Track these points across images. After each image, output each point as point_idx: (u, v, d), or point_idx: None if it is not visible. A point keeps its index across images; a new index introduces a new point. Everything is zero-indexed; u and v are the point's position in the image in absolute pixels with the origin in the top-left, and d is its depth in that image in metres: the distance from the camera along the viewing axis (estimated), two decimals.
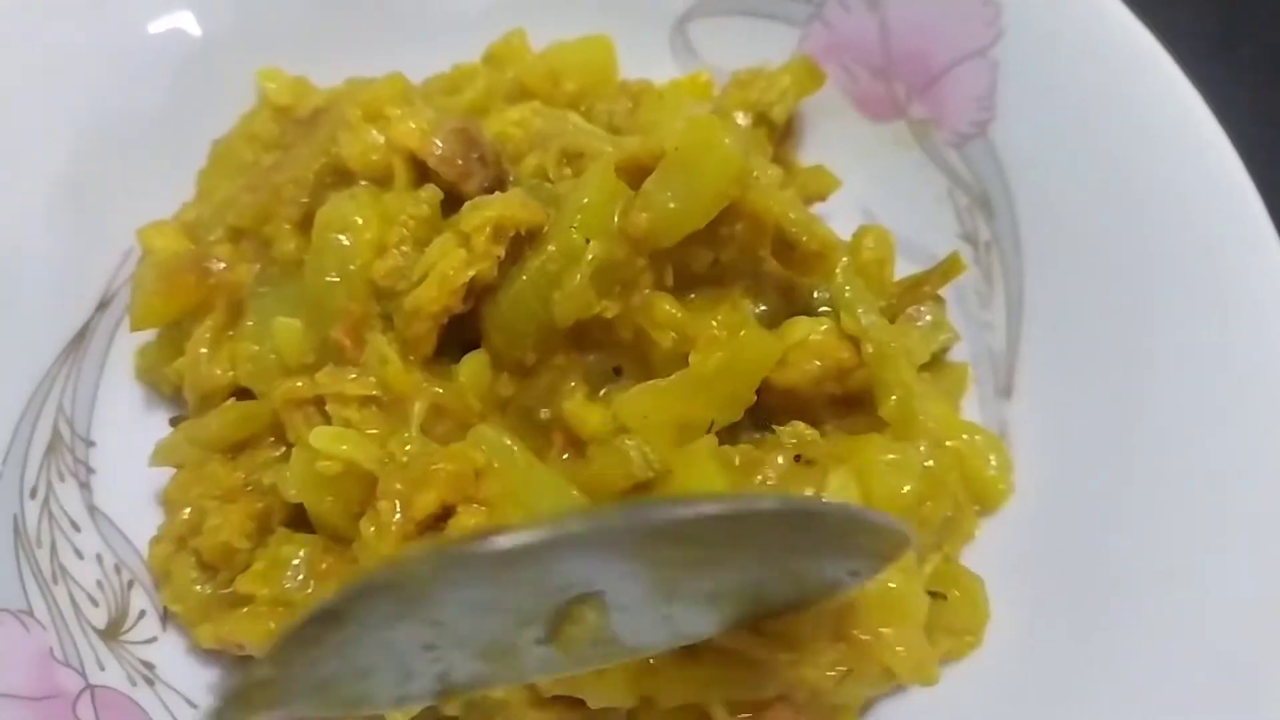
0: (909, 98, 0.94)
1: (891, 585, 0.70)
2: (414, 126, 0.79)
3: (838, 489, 0.70)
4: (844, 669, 0.69)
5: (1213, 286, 0.79)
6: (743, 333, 0.72)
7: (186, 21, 0.92)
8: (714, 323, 0.73)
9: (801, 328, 0.75)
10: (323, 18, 0.96)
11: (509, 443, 0.71)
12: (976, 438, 0.83)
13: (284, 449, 0.77)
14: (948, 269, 0.85)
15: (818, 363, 0.74)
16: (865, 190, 0.95)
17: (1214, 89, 0.84)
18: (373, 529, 0.68)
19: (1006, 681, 0.75)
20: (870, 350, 0.75)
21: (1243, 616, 0.70)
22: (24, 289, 0.82)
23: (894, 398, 0.75)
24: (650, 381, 0.72)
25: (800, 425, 0.75)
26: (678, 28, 1.00)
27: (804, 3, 0.96)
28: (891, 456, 0.72)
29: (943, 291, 0.87)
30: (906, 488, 0.71)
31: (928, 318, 0.84)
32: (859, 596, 0.69)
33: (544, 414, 0.74)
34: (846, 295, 0.77)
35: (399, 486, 0.68)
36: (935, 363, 0.86)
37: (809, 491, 0.71)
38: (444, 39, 0.96)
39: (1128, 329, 0.82)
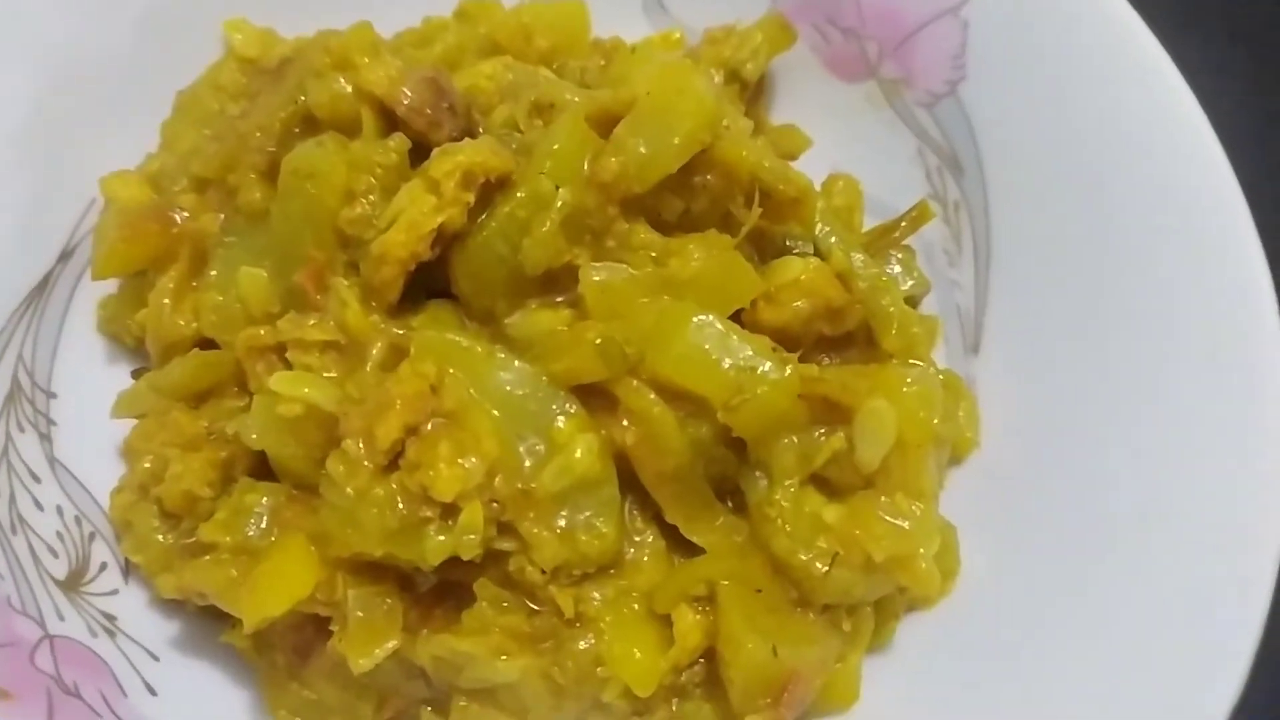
0: (880, 57, 0.94)
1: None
2: (382, 75, 0.78)
3: (872, 416, 0.71)
4: (834, 551, 0.70)
5: (1180, 242, 0.80)
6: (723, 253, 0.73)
7: None
8: (692, 246, 0.73)
9: (792, 267, 0.76)
10: None
11: (454, 337, 0.71)
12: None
13: (247, 399, 0.76)
14: (917, 216, 0.85)
15: (806, 302, 0.75)
16: (836, 150, 0.95)
17: (1180, 50, 0.84)
18: (341, 468, 0.67)
19: (978, 624, 0.76)
20: (864, 286, 0.76)
21: (1202, 558, 0.71)
22: None
23: (894, 328, 0.76)
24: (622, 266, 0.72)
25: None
26: None
27: None
28: (913, 386, 0.72)
29: (912, 247, 0.88)
30: (935, 419, 0.73)
31: (897, 267, 0.84)
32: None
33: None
34: (831, 237, 0.77)
35: (359, 422, 0.67)
36: None
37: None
38: None
39: (1094, 285, 0.83)
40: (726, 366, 0.70)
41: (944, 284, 0.91)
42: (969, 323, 0.90)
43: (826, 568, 0.70)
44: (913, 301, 0.88)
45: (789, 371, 0.71)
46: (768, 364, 0.70)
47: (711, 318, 0.71)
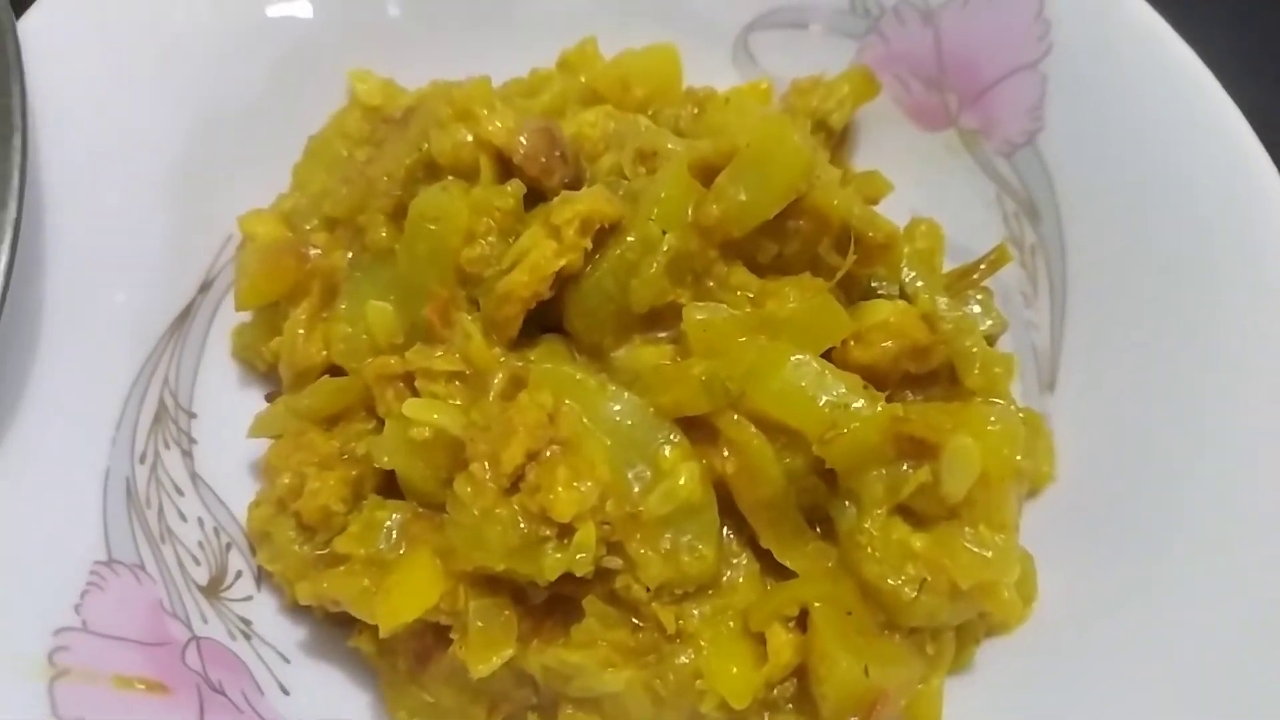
0: (960, 108, 0.99)
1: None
2: (500, 125, 0.85)
3: (958, 452, 0.75)
4: (922, 578, 0.75)
5: (1251, 288, 0.84)
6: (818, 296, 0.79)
7: (286, 21, 0.98)
8: (788, 288, 0.79)
9: (881, 309, 0.81)
10: (411, 23, 1.02)
11: (570, 370, 0.77)
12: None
13: (375, 422, 0.83)
14: (996, 258, 0.90)
15: (894, 342, 0.80)
16: (916, 195, 0.99)
17: (1251, 104, 0.88)
18: (469, 489, 0.73)
19: (1054, 649, 0.80)
20: (948, 327, 0.81)
21: (1272, 591, 0.74)
22: (136, 271, 0.88)
23: (977, 367, 0.81)
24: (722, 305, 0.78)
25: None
26: (740, 38, 1.05)
27: (861, 16, 1.01)
28: (996, 424, 0.76)
29: (990, 289, 0.92)
30: (1017, 456, 0.77)
31: (977, 308, 0.89)
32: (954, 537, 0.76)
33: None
34: (917, 281, 0.82)
35: (484, 448, 0.73)
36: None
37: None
38: (521, 45, 1.02)
39: (1168, 329, 0.87)
40: (821, 403, 0.75)
41: (1020, 324, 0.95)
42: (1044, 361, 0.94)
43: (915, 593, 0.75)
44: (990, 341, 0.91)
45: (880, 409, 0.75)
46: (860, 401, 0.75)
47: (807, 356, 0.76)
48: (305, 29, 0.99)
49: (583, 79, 1.01)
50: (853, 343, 0.81)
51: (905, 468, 0.77)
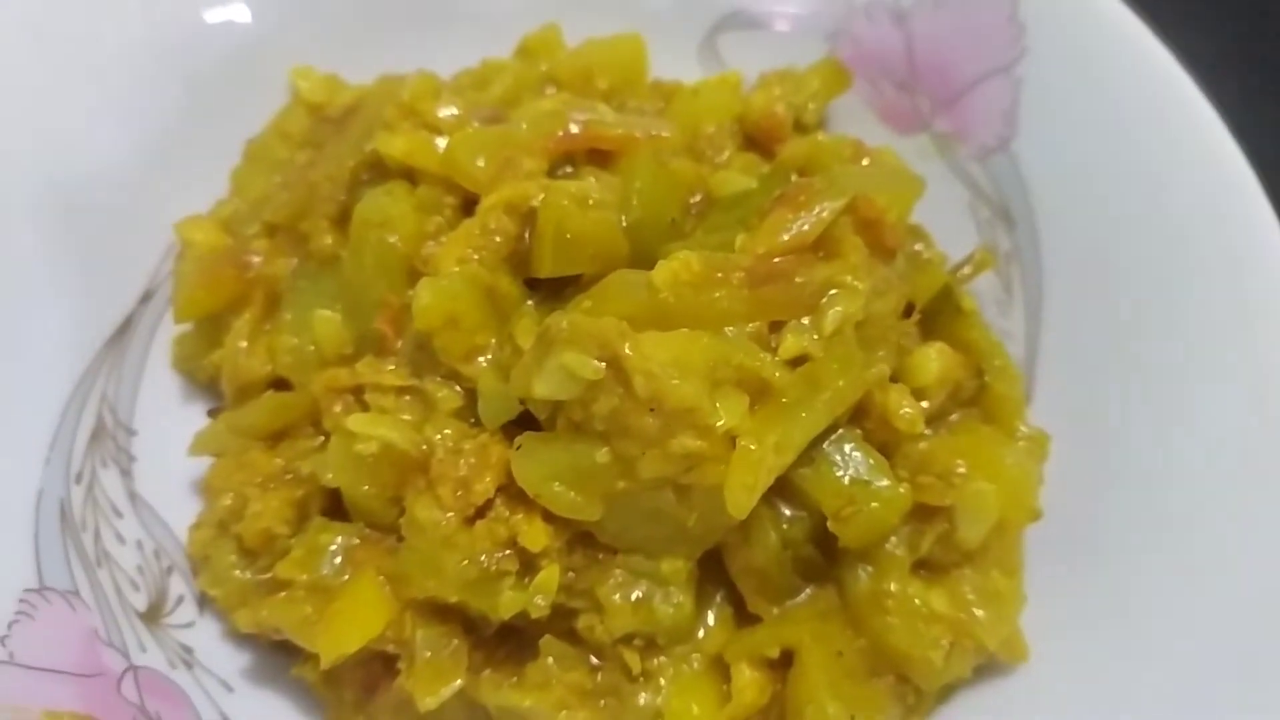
0: (933, 112, 0.96)
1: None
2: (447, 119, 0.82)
3: (975, 499, 0.73)
4: (949, 641, 0.71)
5: (1229, 296, 0.81)
6: None
7: (225, 26, 0.95)
8: None
9: (930, 365, 0.79)
10: (355, 14, 0.98)
11: None
12: None
13: (321, 438, 0.79)
14: (980, 262, 0.88)
15: (942, 390, 0.79)
16: None
17: (1230, 107, 0.86)
18: (435, 513, 0.69)
19: (1030, 683, 0.77)
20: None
21: (1250, 612, 0.72)
22: (71, 281, 0.84)
23: (999, 390, 0.80)
24: None
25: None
26: (707, 39, 1.02)
27: (831, 16, 0.98)
28: (1014, 466, 0.74)
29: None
30: (1033, 500, 0.75)
31: None
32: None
33: None
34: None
35: (455, 473, 0.69)
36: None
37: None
38: (472, 35, 0.98)
39: (1145, 337, 0.84)
40: (844, 478, 0.71)
41: (996, 334, 0.92)
42: (1021, 372, 0.91)
43: (945, 659, 0.71)
44: None
45: (902, 490, 0.72)
46: (884, 481, 0.71)
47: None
48: (244, 32, 0.95)
49: (544, 67, 0.96)
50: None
51: (919, 527, 0.74)
